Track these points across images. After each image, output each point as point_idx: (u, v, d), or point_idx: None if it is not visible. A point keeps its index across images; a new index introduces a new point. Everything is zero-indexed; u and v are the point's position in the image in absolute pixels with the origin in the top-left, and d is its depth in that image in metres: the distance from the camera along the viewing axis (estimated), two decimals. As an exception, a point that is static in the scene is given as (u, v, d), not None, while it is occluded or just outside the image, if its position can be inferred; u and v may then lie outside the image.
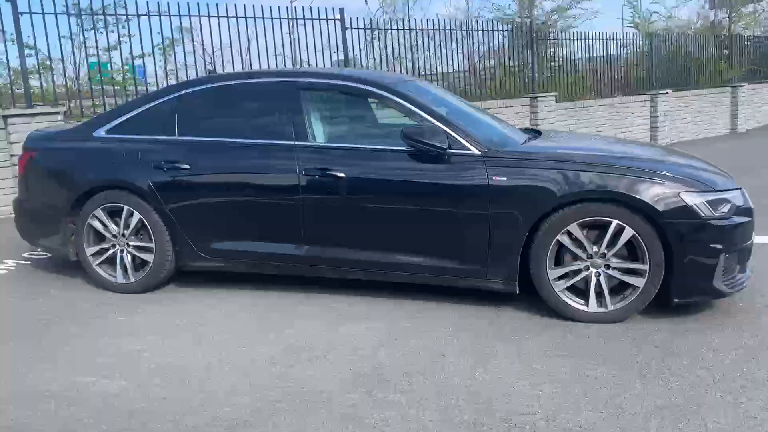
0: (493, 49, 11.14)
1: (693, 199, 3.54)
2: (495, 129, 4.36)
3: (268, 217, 4.15)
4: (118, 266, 4.45)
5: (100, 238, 4.50)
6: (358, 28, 9.49)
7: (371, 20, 9.78)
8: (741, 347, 3.30)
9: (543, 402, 2.81)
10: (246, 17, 8.82)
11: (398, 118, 4.19)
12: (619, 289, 3.69)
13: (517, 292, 3.83)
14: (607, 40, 12.95)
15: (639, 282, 3.61)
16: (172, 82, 8.35)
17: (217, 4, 8.53)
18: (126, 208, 4.35)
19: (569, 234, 3.65)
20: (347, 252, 4.06)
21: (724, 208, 3.58)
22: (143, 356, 3.42)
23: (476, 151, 3.83)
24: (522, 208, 3.69)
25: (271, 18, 8.91)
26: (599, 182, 3.61)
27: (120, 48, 8.14)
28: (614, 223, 3.58)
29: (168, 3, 8.21)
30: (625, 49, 13.36)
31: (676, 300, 3.64)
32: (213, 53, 8.88)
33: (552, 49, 12.10)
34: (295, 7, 8.91)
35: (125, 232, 4.40)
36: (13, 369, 3.31)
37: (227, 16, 8.68)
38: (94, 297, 4.40)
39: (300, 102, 4.16)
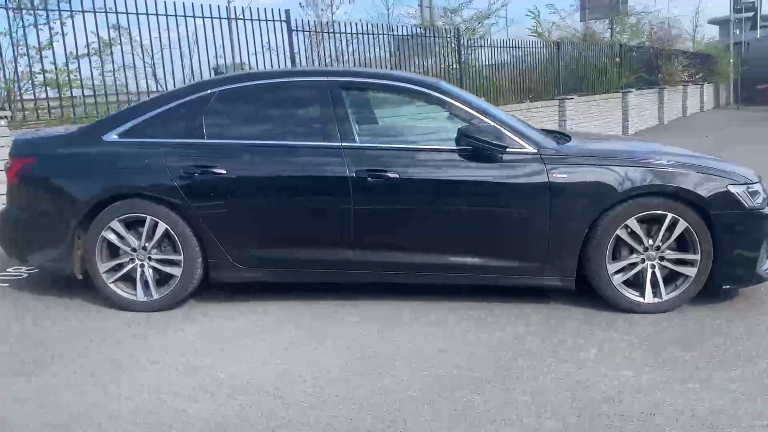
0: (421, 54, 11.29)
1: (738, 191, 3.77)
2: (531, 128, 4.42)
3: (314, 222, 3.96)
4: (139, 282, 4.05)
5: (113, 252, 4.09)
6: (304, 31, 9.27)
7: (318, 23, 9.60)
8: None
9: (649, 391, 2.87)
10: (186, 16, 8.33)
11: (428, 118, 4.17)
12: (670, 279, 3.86)
13: (574, 288, 3.90)
14: (520, 47, 13.53)
15: (691, 271, 3.79)
16: (111, 83, 7.77)
17: (155, 2, 7.88)
18: (149, 218, 3.97)
19: (627, 228, 3.77)
20: (399, 255, 3.96)
21: (759, 199, 3.85)
22: (213, 373, 3.16)
23: (533, 150, 3.86)
24: (583, 205, 3.77)
25: (211, 18, 8.46)
26: (656, 178, 3.76)
27: (52, 47, 7.43)
28: (669, 216, 3.74)
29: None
30: (534, 57, 14.02)
31: (724, 287, 3.86)
32: (153, 54, 8.34)
33: (472, 56, 12.46)
34: (238, 7, 8.54)
35: (147, 244, 4.02)
36: (75, 395, 2.93)
37: (165, 15, 8.13)
38: (114, 317, 3.99)
39: (343, 102, 4.00)
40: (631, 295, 3.84)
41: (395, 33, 10.78)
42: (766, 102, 28.24)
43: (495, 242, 3.88)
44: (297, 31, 9.12)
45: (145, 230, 3.99)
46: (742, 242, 3.77)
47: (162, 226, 3.97)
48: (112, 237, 4.02)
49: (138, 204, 4.00)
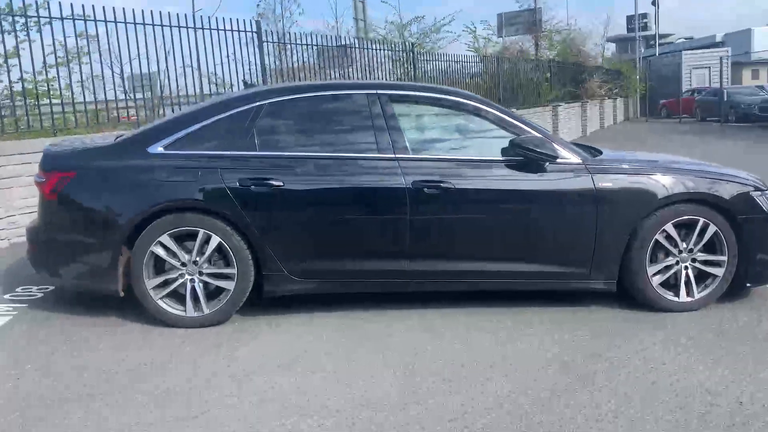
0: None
1: (757, 196, 4.14)
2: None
3: (370, 233, 4.01)
4: (189, 298, 3.96)
5: (159, 267, 3.97)
6: (273, 42, 9.22)
7: (288, 34, 9.56)
8: (820, 319, 3.95)
9: (724, 382, 3.12)
10: (153, 24, 8.10)
11: (467, 130, 4.33)
12: (699, 279, 4.16)
13: (615, 290, 4.14)
14: (466, 62, 13.98)
15: (719, 272, 4.11)
16: (82, 93, 7.45)
17: (123, 9, 7.63)
18: (202, 231, 3.90)
19: (664, 233, 4.06)
20: (453, 264, 4.07)
21: None
22: (320, 391, 3.13)
23: (578, 160, 4.08)
24: (627, 211, 4.02)
25: (179, 27, 8.30)
26: (691, 185, 4.07)
27: (19, 56, 7.07)
28: (701, 221, 4.05)
29: (71, 5, 7.31)
30: (477, 71, 14.53)
31: (749, 285, 4.21)
32: (121, 62, 8.07)
33: (422, 69, 12.76)
34: (210, 18, 8.40)
35: (198, 258, 3.94)
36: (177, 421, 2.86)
37: (134, 23, 7.92)
38: (163, 335, 3.87)
39: (394, 114, 4.09)
40: (668, 295, 4.12)
41: (356, 46, 10.89)
42: (670, 116, 30.35)
43: (545, 249, 4.06)
44: (267, 42, 9.06)
45: (197, 244, 3.91)
46: (763, 243, 4.13)
47: (215, 240, 3.90)
48: (161, 252, 3.91)
49: (190, 218, 3.91)
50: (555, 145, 4.07)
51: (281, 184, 3.92)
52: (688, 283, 4.12)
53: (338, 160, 4.02)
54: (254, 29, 8.91)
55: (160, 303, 3.96)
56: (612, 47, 47.50)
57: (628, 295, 4.17)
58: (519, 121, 4.19)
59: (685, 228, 4.10)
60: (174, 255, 3.93)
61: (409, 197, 3.94)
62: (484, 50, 17.39)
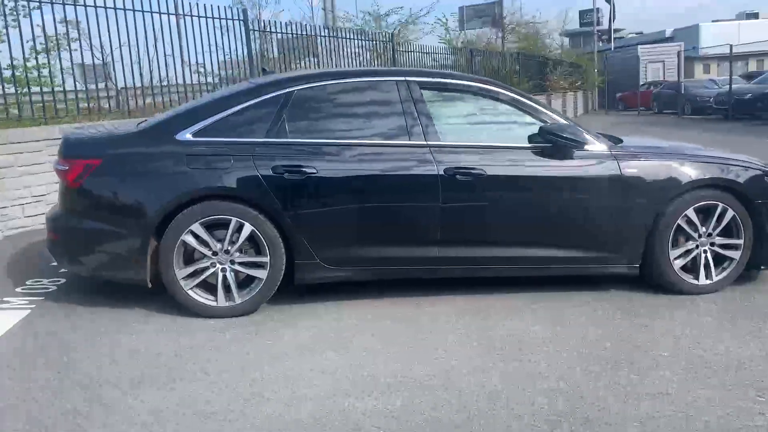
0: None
1: (773, 180, 4.30)
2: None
3: (403, 220, 4.01)
4: (220, 287, 3.89)
5: (188, 257, 3.90)
6: (261, 30, 9.09)
7: (276, 23, 9.43)
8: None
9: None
10: (133, 10, 7.82)
11: (490, 117, 4.37)
12: (717, 263, 4.29)
13: (638, 273, 4.24)
14: (441, 53, 14.05)
15: (736, 255, 4.25)
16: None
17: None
18: (234, 219, 3.83)
19: (686, 217, 4.17)
20: (484, 250, 4.11)
21: None
22: (349, 372, 3.14)
23: (603, 147, 4.16)
24: (652, 196, 4.12)
25: (159, 12, 8.07)
26: (713, 172, 4.19)
27: (9, 42, 6.79)
28: (720, 206, 4.18)
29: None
30: (452, 62, 14.62)
31: (763, 267, 4.37)
32: (102, 50, 7.83)
33: (401, 59, 12.77)
34: (195, 5, 8.22)
35: (229, 247, 3.87)
36: (231, 405, 2.82)
37: (117, 8, 7.66)
38: (196, 324, 3.80)
39: (424, 101, 4.09)
40: (688, 278, 4.24)
41: (340, 36, 10.83)
42: (627, 108, 31.10)
43: (573, 234, 4.13)
44: (254, 30, 8.93)
45: (229, 232, 3.85)
46: (774, 226, 4.29)
47: (248, 228, 3.85)
48: (191, 241, 3.84)
49: (222, 206, 3.85)
50: (583, 132, 4.13)
51: (315, 171, 3.88)
52: (707, 266, 4.25)
53: (371, 147, 4.01)
54: (241, 17, 8.76)
55: (191, 293, 3.88)
56: (565, 41, 48.35)
57: (643, 279, 4.27)
58: (546, 109, 4.26)
59: (704, 213, 4.22)
60: (205, 244, 3.86)
61: (442, 184, 3.96)
62: (456, 42, 17.49)
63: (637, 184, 4.11)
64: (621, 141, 4.43)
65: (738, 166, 4.29)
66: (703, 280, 4.24)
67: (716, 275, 4.26)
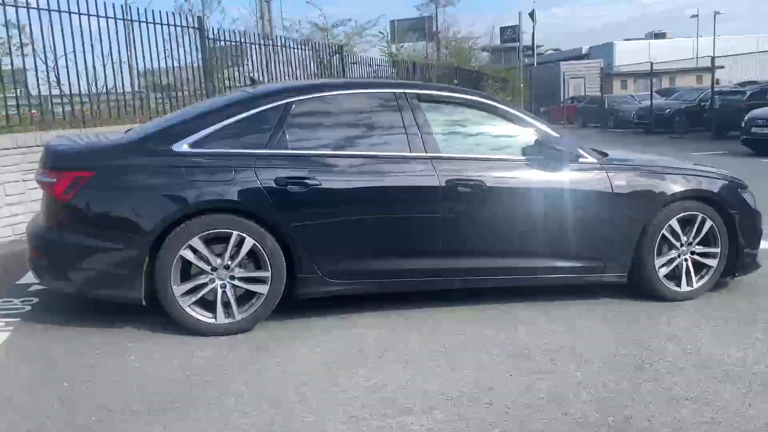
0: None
1: (745, 194, 4.55)
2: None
3: (405, 232, 4.00)
4: (219, 304, 3.75)
5: (186, 273, 3.74)
6: (217, 39, 8.87)
7: (234, 32, 9.21)
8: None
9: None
10: (79, 13, 7.46)
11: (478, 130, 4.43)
12: (696, 270, 4.48)
13: (626, 282, 4.38)
14: (386, 66, 14.15)
15: (714, 263, 4.46)
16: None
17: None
18: (235, 233, 3.71)
19: (670, 227, 4.35)
20: (483, 261, 4.14)
21: (753, 200, 4.65)
22: (409, 389, 3.09)
23: (594, 159, 4.29)
24: (639, 208, 4.27)
25: (114, 18, 7.74)
26: (694, 184, 4.39)
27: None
28: (700, 216, 4.39)
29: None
30: (398, 74, 14.76)
31: (737, 275, 4.59)
32: (45, 55, 7.42)
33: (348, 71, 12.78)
34: (147, 11, 7.94)
35: (229, 262, 3.74)
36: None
37: (61, 11, 7.26)
38: (199, 343, 3.65)
39: (423, 113, 4.10)
40: (671, 285, 4.41)
41: (294, 47, 10.72)
42: (552, 122, 32.20)
43: (568, 244, 4.23)
44: (209, 39, 8.71)
45: (230, 247, 3.72)
46: (749, 236, 4.53)
47: (249, 242, 3.73)
48: (190, 256, 3.68)
49: (222, 219, 3.72)
50: (576, 146, 4.25)
51: (318, 183, 3.81)
52: (687, 273, 4.43)
53: (374, 158, 3.98)
54: (196, 25, 8.52)
55: (189, 310, 3.72)
56: (485, 56, 49.73)
57: (629, 287, 4.42)
58: (537, 121, 4.35)
59: (685, 223, 4.41)
60: (205, 259, 3.71)
61: (443, 195, 3.97)
62: (397, 55, 17.67)
63: (626, 196, 4.25)
64: (607, 154, 4.58)
65: (715, 178, 4.51)
66: (684, 287, 4.42)
67: (696, 282, 4.45)
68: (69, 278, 3.75)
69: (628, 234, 4.28)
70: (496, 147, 4.34)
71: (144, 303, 3.74)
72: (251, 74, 4.53)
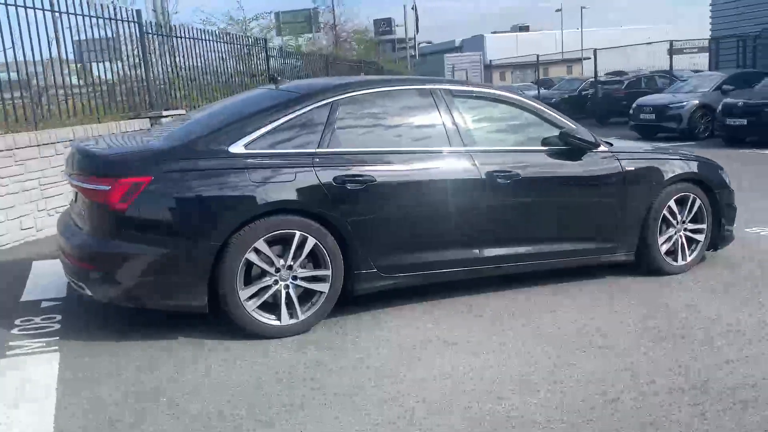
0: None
1: (724, 175, 5.09)
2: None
3: (451, 223, 4.13)
4: (283, 305, 3.71)
5: (247, 277, 3.67)
6: (157, 34, 8.44)
7: (173, 26, 8.75)
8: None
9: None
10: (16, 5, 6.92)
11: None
12: (688, 245, 4.97)
13: (634, 260, 4.78)
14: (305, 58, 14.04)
15: (701, 238, 4.97)
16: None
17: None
18: (298, 233, 3.68)
19: (669, 208, 4.79)
20: (517, 248, 4.36)
21: (729, 179, 5.21)
22: (487, 373, 3.25)
23: (606, 147, 4.64)
24: (646, 191, 4.67)
25: (42, 9, 7.19)
26: (687, 167, 4.86)
27: None
28: (691, 196, 4.87)
29: None
30: (313, 66, 14.70)
31: (719, 248, 5.13)
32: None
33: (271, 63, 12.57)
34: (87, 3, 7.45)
35: (292, 263, 3.71)
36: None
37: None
38: (262, 348, 3.60)
39: (459, 109, 4.25)
40: (670, 260, 4.86)
41: (226, 41, 10.41)
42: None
43: (590, 227, 4.55)
44: (149, 33, 8.29)
45: (293, 247, 3.69)
46: (727, 213, 5.08)
47: (311, 241, 3.72)
48: (255, 259, 3.62)
49: (285, 220, 3.68)
50: (591, 135, 4.57)
51: (373, 180, 3.86)
52: (682, 249, 4.91)
53: (422, 154, 4.08)
54: (135, 19, 8.08)
55: (255, 314, 3.66)
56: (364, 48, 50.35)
57: (634, 265, 4.81)
58: (557, 114, 4.62)
59: (678, 203, 4.86)
60: (268, 261, 3.66)
61: (484, 187, 4.15)
62: (307, 47, 17.57)
63: (635, 180, 4.64)
64: (612, 144, 4.94)
65: (701, 161, 5.02)
66: (680, 262, 4.89)
67: (689, 256, 4.93)
68: (128, 290, 3.56)
69: (636, 216, 4.67)
70: (523, 139, 4.57)
71: (207, 311, 3.63)
72: (274, 74, 4.42)
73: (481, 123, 4.44)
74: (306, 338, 3.73)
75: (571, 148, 4.47)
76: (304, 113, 3.89)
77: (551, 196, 4.42)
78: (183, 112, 8.55)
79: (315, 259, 3.80)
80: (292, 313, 3.75)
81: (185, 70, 9.35)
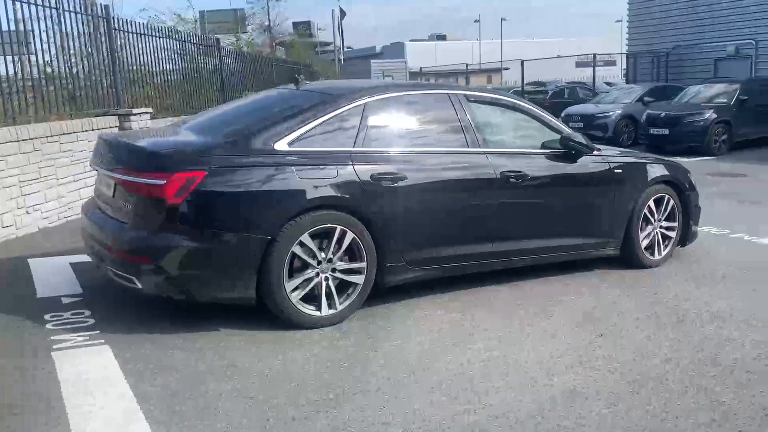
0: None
1: (691, 176, 5.64)
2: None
3: (469, 219, 4.41)
4: (323, 296, 3.88)
5: (292, 268, 3.82)
6: (124, 31, 8.26)
7: (143, 24, 8.55)
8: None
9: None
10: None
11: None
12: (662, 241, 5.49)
13: (620, 254, 5.23)
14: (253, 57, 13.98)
15: (673, 234, 5.50)
16: None
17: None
18: (339, 228, 3.87)
19: (648, 207, 5.28)
20: (523, 243, 4.71)
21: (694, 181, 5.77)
22: (536, 358, 3.55)
23: (597, 150, 5.06)
24: (631, 191, 5.14)
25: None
26: (663, 170, 5.36)
27: None
28: (666, 197, 5.38)
29: None
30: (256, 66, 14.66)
31: (687, 244, 5.67)
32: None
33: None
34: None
35: (332, 256, 3.89)
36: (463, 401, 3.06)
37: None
38: (299, 337, 3.76)
39: (474, 112, 4.55)
40: (648, 254, 5.35)
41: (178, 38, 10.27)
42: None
43: (587, 224, 4.96)
44: (117, 30, 8.13)
45: (333, 241, 3.87)
46: (694, 213, 5.63)
47: (349, 236, 3.91)
48: (300, 252, 3.77)
49: (329, 215, 3.85)
50: (587, 140, 4.98)
51: (405, 177, 4.09)
52: (658, 244, 5.41)
53: (445, 154, 4.35)
54: (103, 14, 7.90)
55: (299, 306, 3.81)
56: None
57: (618, 259, 5.27)
58: (555, 120, 5.01)
59: (656, 203, 5.36)
60: (312, 254, 3.82)
61: (498, 185, 4.47)
62: (245, 48, 17.43)
63: (623, 181, 5.09)
64: (600, 149, 5.38)
65: (674, 165, 5.55)
66: (656, 256, 5.39)
67: (663, 251, 5.44)
68: (180, 283, 3.63)
69: (623, 214, 5.12)
70: (527, 141, 4.91)
71: (254, 303, 3.75)
72: (297, 75, 4.52)
73: (491, 126, 4.76)
74: (340, 328, 3.90)
75: (570, 152, 4.86)
76: (340, 113, 4.08)
77: (554, 195, 4.79)
78: (150, 110, 8.44)
79: (350, 252, 3.99)
80: (330, 304, 3.92)
81: (149, 68, 9.20)
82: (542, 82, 29.65)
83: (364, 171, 3.96)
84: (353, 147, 4.03)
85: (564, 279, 4.94)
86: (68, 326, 3.82)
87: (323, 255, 3.86)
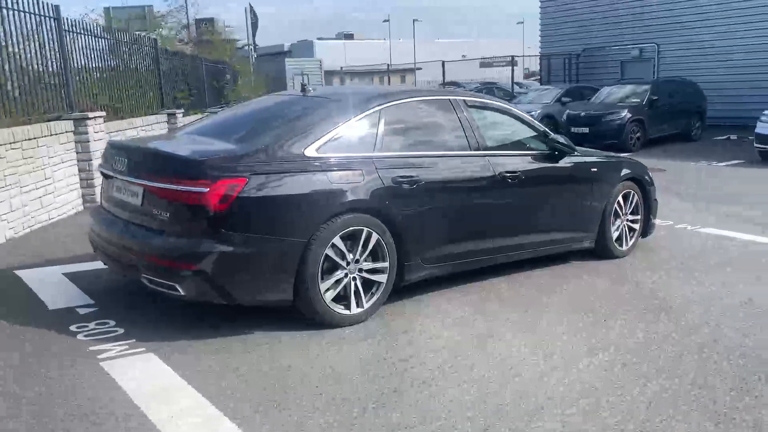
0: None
1: (650, 173, 6.18)
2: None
3: (474, 217, 4.69)
4: (352, 295, 4.05)
5: (323, 270, 3.96)
6: (76, 32, 7.94)
7: (96, 25, 8.17)
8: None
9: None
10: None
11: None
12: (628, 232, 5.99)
13: (594, 247, 5.67)
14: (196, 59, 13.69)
15: (637, 226, 6.01)
16: None
17: None
18: (365, 230, 4.04)
19: (618, 203, 5.76)
20: (519, 238, 5.04)
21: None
22: (559, 348, 3.87)
23: (576, 152, 5.47)
24: (605, 187, 5.59)
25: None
26: (629, 168, 5.85)
27: None
28: (632, 192, 5.88)
29: None
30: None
31: (648, 235, 6.20)
32: None
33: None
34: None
35: (359, 257, 4.06)
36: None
37: None
38: (331, 335, 3.92)
39: (473, 116, 4.83)
40: (618, 246, 5.83)
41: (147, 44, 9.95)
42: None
43: (571, 218, 5.36)
44: (68, 31, 7.83)
45: (361, 242, 4.04)
46: (654, 206, 6.17)
47: (374, 237, 4.09)
48: (332, 253, 3.92)
49: (358, 218, 4.02)
50: (570, 142, 5.37)
51: (422, 180, 4.32)
52: (625, 236, 5.90)
53: (453, 157, 4.60)
54: (53, 15, 7.57)
55: (331, 305, 3.95)
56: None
57: (592, 251, 5.71)
58: (535, 122, 5.38)
59: (624, 198, 5.84)
60: (342, 255, 3.97)
61: (498, 185, 4.78)
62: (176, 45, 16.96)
63: (599, 179, 5.53)
64: (577, 149, 5.79)
65: (635, 162, 6.06)
66: (624, 247, 5.88)
67: (630, 242, 5.94)
68: (221, 287, 3.68)
69: (599, 208, 5.56)
70: (517, 143, 5.24)
71: (291, 304, 3.87)
72: (303, 82, 4.59)
73: (487, 128, 5.05)
74: (367, 326, 4.07)
75: (554, 153, 5.23)
76: (359, 119, 4.25)
77: (544, 194, 5.16)
78: (104, 114, 8.19)
79: (373, 252, 4.16)
80: (358, 303, 4.09)
81: (99, 71, 8.90)
82: (458, 82, 30.50)
83: (387, 175, 4.15)
84: (374, 152, 4.21)
85: (549, 271, 5.31)
86: (100, 336, 3.78)
87: (351, 256, 4.02)
